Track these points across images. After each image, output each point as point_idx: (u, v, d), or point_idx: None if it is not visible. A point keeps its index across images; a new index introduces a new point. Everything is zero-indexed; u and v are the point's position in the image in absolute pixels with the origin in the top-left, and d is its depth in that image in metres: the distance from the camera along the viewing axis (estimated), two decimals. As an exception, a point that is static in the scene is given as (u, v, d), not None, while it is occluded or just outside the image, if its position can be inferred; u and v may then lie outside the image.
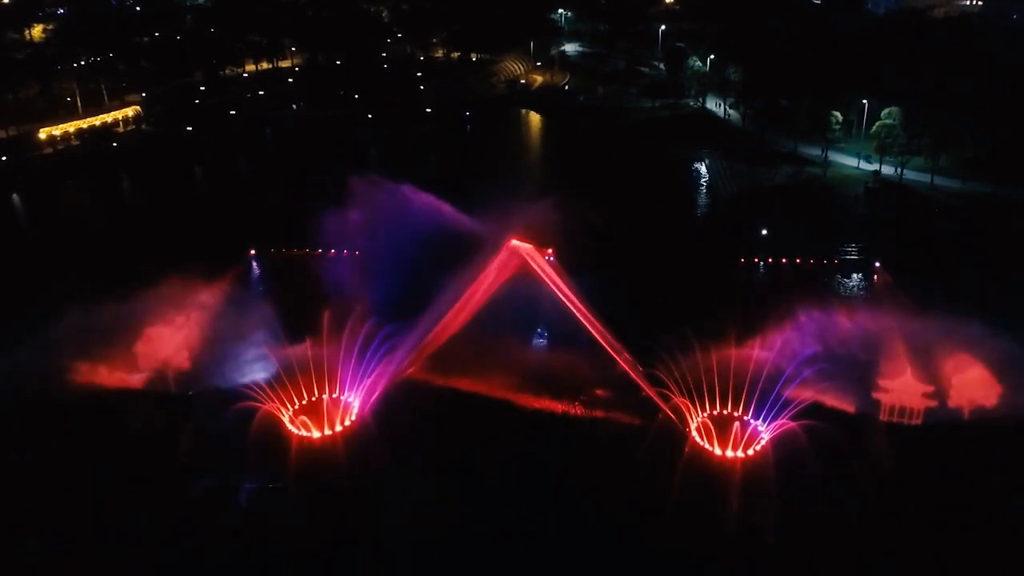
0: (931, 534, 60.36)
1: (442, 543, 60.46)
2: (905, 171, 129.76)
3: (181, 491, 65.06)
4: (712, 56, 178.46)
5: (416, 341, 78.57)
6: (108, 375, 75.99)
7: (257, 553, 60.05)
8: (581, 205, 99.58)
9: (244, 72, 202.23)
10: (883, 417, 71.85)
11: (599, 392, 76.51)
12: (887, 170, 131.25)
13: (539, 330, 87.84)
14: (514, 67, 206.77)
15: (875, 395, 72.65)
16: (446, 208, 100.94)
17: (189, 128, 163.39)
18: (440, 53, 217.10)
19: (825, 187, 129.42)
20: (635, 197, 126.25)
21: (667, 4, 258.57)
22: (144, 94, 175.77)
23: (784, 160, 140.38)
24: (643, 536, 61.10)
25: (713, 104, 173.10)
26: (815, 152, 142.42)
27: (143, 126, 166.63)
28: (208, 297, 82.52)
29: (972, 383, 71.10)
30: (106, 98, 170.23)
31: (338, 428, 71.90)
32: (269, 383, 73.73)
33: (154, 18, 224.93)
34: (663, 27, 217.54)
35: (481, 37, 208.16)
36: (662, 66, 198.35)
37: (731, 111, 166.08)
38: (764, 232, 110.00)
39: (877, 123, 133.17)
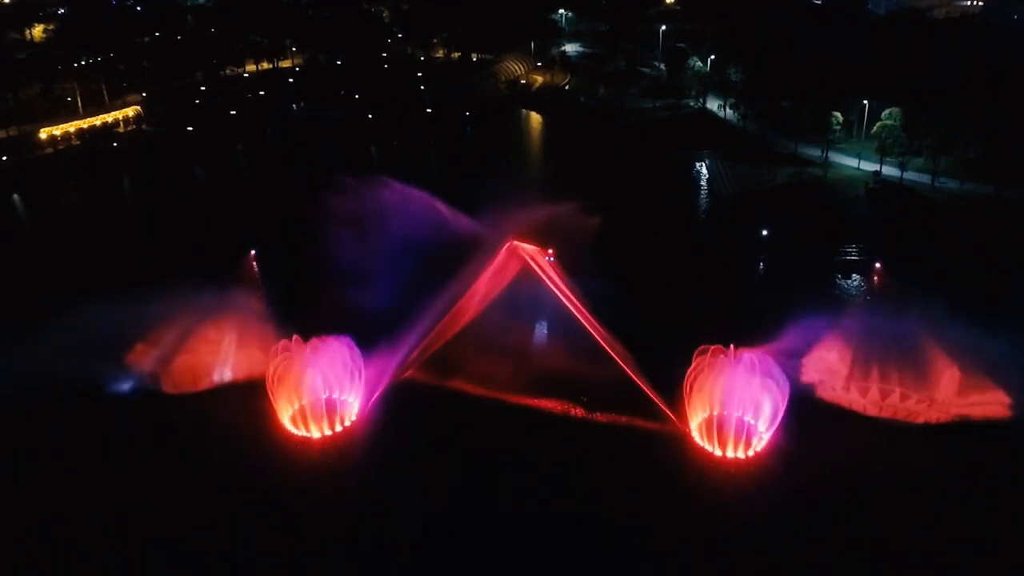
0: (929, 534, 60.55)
1: (440, 543, 60.46)
2: (906, 172, 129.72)
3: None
4: (713, 57, 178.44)
5: (416, 342, 78.57)
6: (106, 374, 76.08)
7: (256, 554, 60.14)
8: (582, 206, 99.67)
9: (245, 72, 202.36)
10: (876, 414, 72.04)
11: (599, 392, 76.12)
12: (888, 171, 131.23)
13: (539, 330, 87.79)
14: (515, 67, 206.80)
15: (868, 394, 72.74)
16: (446, 209, 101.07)
17: (190, 128, 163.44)
18: (441, 53, 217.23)
19: (826, 188, 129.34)
20: (636, 198, 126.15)
21: (667, 4, 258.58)
22: (145, 94, 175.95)
23: (785, 161, 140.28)
24: (641, 537, 61.13)
25: (715, 106, 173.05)
26: (815, 153, 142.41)
27: (144, 126, 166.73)
28: (207, 297, 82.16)
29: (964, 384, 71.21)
30: (107, 98, 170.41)
31: (338, 428, 71.87)
32: (270, 383, 73.80)
33: (155, 18, 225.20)
34: (664, 27, 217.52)
35: (482, 37, 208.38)
36: (663, 67, 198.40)
37: (731, 111, 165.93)
38: (764, 232, 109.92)
39: (878, 124, 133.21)
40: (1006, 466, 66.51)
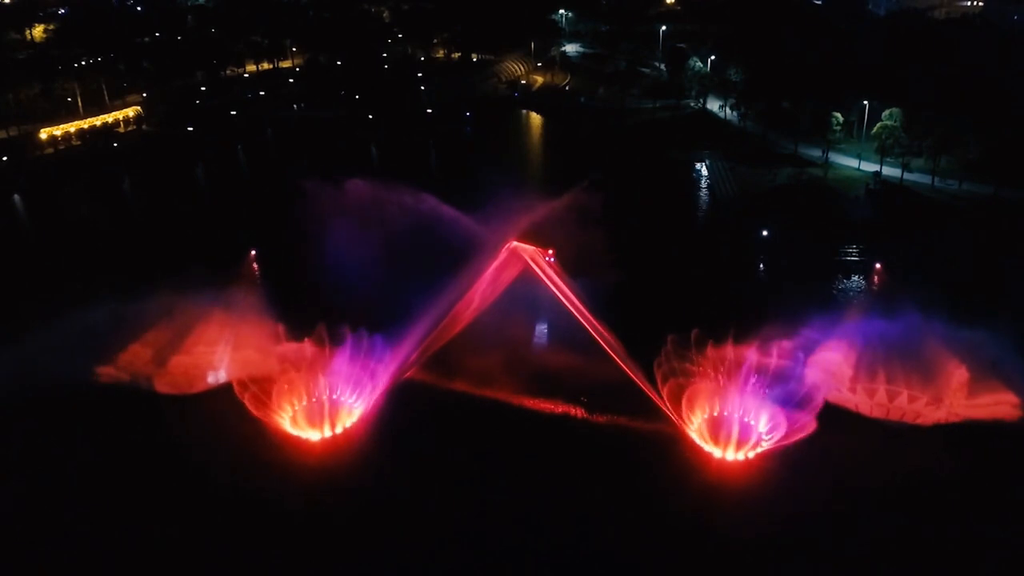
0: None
1: (439, 544, 60.47)
2: (906, 172, 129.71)
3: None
4: (713, 57, 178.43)
5: (417, 343, 78.52)
6: (104, 374, 75.98)
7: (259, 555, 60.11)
8: (582, 206, 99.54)
9: (245, 72, 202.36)
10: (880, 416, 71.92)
11: (598, 393, 75.85)
12: (889, 171, 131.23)
13: (539, 331, 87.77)
14: (515, 68, 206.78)
15: (872, 395, 72.67)
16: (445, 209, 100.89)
17: (190, 128, 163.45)
18: (441, 54, 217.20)
19: (826, 188, 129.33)
20: (635, 199, 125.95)
21: (668, 5, 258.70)
22: (145, 94, 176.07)
23: (785, 161, 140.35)
24: (640, 540, 61.11)
25: (715, 106, 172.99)
26: (816, 153, 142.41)
27: (144, 126, 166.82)
28: (206, 297, 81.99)
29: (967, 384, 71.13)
30: (107, 98, 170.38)
31: (338, 430, 71.74)
32: (270, 383, 73.84)
33: (155, 18, 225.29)
34: (664, 28, 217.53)
35: (482, 38, 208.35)
36: (663, 67, 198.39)
37: (732, 112, 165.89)
38: (765, 233, 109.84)
39: (878, 124, 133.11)
40: (1014, 467, 66.52)
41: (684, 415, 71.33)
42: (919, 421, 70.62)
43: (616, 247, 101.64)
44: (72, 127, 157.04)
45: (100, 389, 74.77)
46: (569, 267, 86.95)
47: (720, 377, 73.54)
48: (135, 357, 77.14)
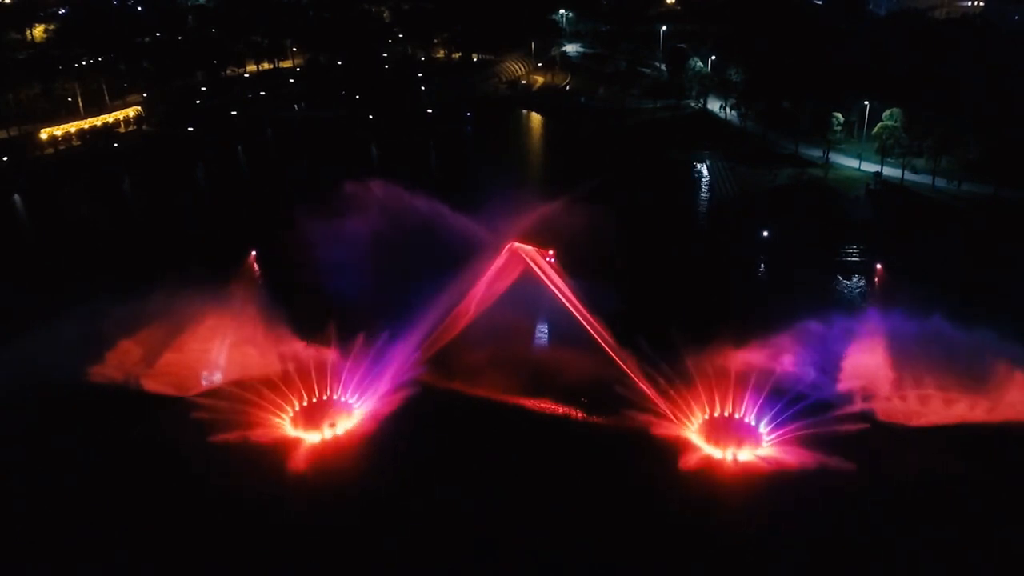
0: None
1: (439, 544, 60.45)
2: (907, 172, 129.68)
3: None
4: (713, 57, 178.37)
5: (417, 344, 78.54)
6: (106, 375, 75.93)
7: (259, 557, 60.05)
8: (582, 206, 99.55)
9: (245, 73, 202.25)
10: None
11: (599, 394, 75.78)
12: (889, 171, 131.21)
13: (539, 332, 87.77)
14: (515, 68, 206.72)
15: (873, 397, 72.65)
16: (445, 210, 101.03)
17: (191, 128, 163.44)
18: (441, 54, 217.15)
19: (826, 189, 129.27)
20: (635, 199, 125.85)
21: (668, 5, 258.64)
22: (145, 94, 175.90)
23: (785, 162, 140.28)
24: (641, 541, 61.09)
25: (715, 106, 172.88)
26: (816, 153, 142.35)
27: (144, 126, 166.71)
28: (209, 298, 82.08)
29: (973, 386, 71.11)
30: (107, 98, 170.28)
31: (339, 431, 71.66)
32: (271, 384, 73.80)
33: (155, 18, 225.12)
34: (664, 28, 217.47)
35: (482, 38, 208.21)
36: (663, 67, 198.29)
37: (732, 112, 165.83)
38: (765, 234, 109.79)
39: (878, 124, 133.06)
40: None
41: (684, 416, 71.35)
42: (923, 422, 70.48)
43: (616, 247, 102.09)
44: (72, 127, 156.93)
45: (96, 389, 74.65)
46: (569, 268, 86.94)
47: (720, 378, 73.49)
48: (129, 357, 77.17)
